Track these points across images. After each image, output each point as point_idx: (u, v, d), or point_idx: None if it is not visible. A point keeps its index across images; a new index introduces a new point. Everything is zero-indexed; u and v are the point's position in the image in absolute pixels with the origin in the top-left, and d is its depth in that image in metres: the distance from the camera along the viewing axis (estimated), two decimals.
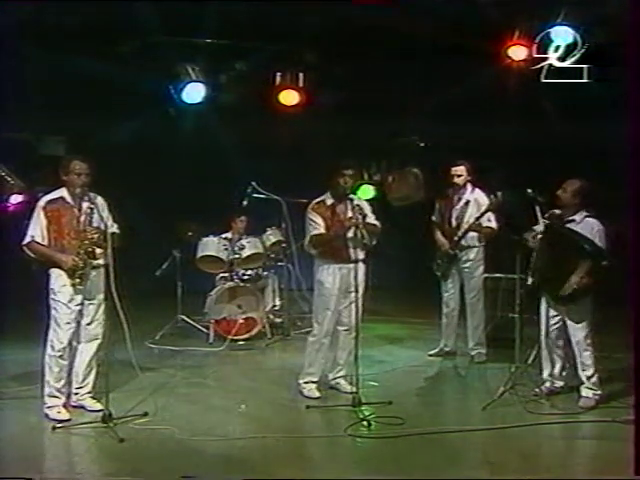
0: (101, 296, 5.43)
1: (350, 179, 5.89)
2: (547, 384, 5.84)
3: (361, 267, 5.88)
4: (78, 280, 5.32)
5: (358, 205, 5.84)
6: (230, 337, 7.80)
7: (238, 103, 8.69)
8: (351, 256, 5.86)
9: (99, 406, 5.39)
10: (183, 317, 8.33)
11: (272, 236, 8.32)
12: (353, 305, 5.83)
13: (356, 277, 5.73)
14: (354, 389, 5.65)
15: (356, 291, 5.71)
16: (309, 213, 5.94)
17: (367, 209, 5.93)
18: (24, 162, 7.95)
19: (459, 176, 7.02)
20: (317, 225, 5.86)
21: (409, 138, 9.77)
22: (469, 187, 7.01)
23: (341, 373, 6.06)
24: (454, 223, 7.02)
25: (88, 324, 5.47)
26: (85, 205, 5.41)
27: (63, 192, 5.44)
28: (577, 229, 5.55)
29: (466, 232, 6.90)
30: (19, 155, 8.01)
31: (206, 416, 5.55)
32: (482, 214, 6.81)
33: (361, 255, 5.89)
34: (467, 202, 6.97)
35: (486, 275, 7.21)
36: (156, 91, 8.06)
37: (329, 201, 5.94)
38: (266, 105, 8.38)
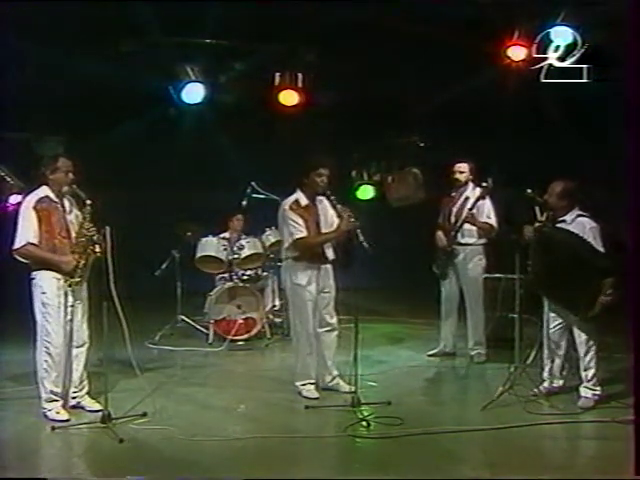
0: (85, 294, 5.41)
1: (327, 178, 5.81)
2: (546, 384, 5.83)
3: (331, 267, 5.93)
4: (79, 279, 5.29)
5: (343, 207, 5.79)
6: (230, 337, 7.81)
7: (238, 103, 8.69)
8: (328, 257, 5.89)
9: (98, 406, 5.37)
10: (183, 317, 8.33)
11: (271, 236, 8.31)
12: (329, 305, 5.91)
13: (335, 277, 5.79)
14: (352, 389, 5.65)
15: (337, 292, 5.77)
16: (288, 214, 5.81)
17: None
18: (24, 162, 7.95)
19: (461, 172, 7.03)
20: (300, 227, 5.77)
21: (409, 138, 9.77)
22: (470, 185, 7.02)
23: (335, 373, 6.04)
24: (453, 220, 7.03)
25: (79, 326, 5.41)
26: (67, 204, 5.39)
27: (46, 191, 5.32)
28: (569, 229, 5.53)
29: (461, 224, 6.91)
30: (19, 155, 8.01)
31: (205, 416, 5.55)
32: (475, 201, 6.81)
33: (333, 255, 5.90)
34: (467, 198, 6.97)
35: (486, 275, 7.21)
36: (156, 91, 8.05)
37: (303, 201, 5.85)
38: (266, 105, 8.37)
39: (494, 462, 4.72)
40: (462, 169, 7.04)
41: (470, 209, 6.84)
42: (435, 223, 7.24)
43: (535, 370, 6.00)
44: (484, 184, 6.83)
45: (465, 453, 4.88)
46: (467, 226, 6.93)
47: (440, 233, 7.12)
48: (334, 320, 5.98)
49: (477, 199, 6.82)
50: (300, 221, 5.77)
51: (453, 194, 7.13)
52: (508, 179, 7.14)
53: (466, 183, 7.04)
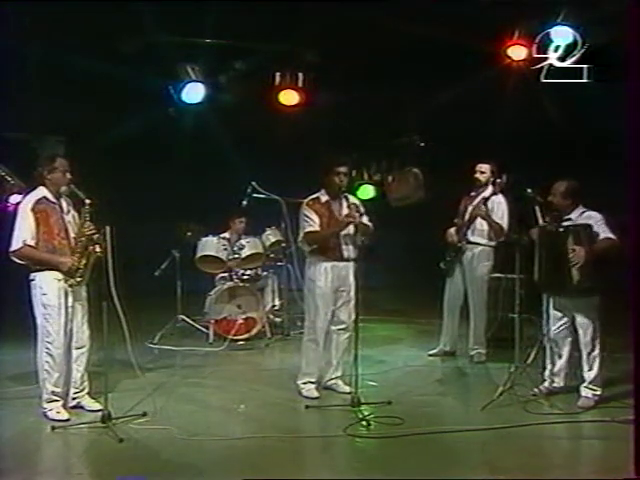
0: (84, 294, 5.41)
1: (345, 177, 5.88)
2: (546, 384, 5.84)
3: (353, 266, 5.87)
4: (80, 279, 5.28)
5: (354, 203, 5.89)
6: (230, 337, 7.81)
7: (238, 103, 8.68)
8: (344, 254, 5.87)
9: (98, 406, 5.38)
10: (183, 317, 8.33)
11: (272, 236, 8.33)
12: (347, 304, 5.86)
13: (356, 276, 5.73)
14: (352, 389, 5.64)
15: (357, 291, 5.72)
16: (304, 209, 5.91)
17: (362, 209, 5.93)
18: (24, 162, 7.94)
19: (482, 173, 7.02)
20: (312, 222, 5.84)
21: (409, 138, 9.77)
22: (490, 188, 6.98)
23: (337, 374, 6.04)
24: (467, 217, 7.02)
25: (79, 327, 5.40)
26: (65, 204, 5.38)
27: (44, 191, 5.31)
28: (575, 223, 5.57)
29: (472, 219, 6.91)
30: (19, 155, 8.00)
31: (205, 416, 5.55)
32: (486, 199, 6.81)
33: (353, 253, 5.89)
34: (484, 199, 6.94)
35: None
36: (156, 91, 8.05)
37: (324, 198, 5.93)
38: (266, 105, 8.37)
39: (494, 462, 4.72)
40: (484, 169, 7.03)
41: (484, 203, 6.83)
42: (439, 222, 7.23)
43: (535, 370, 6.01)
44: (498, 180, 6.82)
45: (465, 453, 4.88)
46: (479, 225, 6.93)
47: (452, 230, 7.13)
48: (349, 320, 5.88)
49: (491, 194, 6.82)
50: (314, 216, 5.84)
51: (472, 194, 7.13)
52: (507, 179, 7.13)
53: (486, 184, 7.02)
